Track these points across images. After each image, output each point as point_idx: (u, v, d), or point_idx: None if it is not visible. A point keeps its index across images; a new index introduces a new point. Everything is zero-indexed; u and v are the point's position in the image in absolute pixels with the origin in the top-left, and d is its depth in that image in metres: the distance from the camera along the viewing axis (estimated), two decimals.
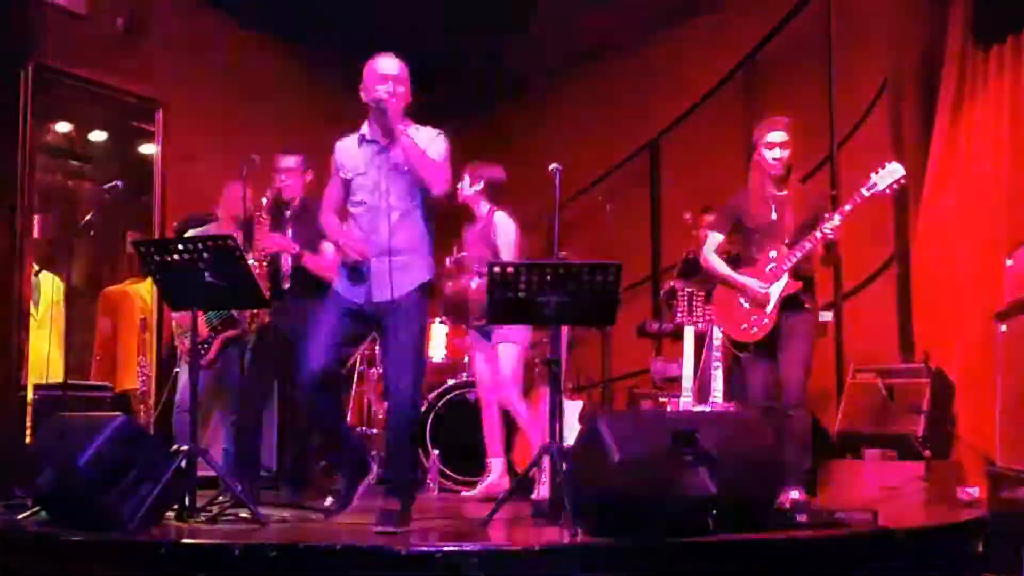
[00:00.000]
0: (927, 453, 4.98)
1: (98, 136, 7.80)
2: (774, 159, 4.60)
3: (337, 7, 7.44)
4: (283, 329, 4.90)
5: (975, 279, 5.46)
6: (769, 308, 4.56)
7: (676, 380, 5.95)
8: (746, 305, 4.63)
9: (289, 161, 5.11)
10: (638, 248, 7.87)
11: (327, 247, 4.86)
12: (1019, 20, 5.42)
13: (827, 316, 6.04)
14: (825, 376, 6.44)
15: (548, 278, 4.00)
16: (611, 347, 5.90)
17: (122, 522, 3.63)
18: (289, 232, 5.01)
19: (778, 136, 4.61)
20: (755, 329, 4.59)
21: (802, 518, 3.80)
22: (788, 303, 4.56)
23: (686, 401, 5.20)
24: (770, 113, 6.79)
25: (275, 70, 7.64)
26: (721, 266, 4.75)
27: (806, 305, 4.59)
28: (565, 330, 5.48)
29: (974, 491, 4.65)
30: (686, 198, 6.93)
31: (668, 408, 5.93)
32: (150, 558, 3.36)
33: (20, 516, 3.95)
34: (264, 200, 5.05)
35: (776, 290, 4.55)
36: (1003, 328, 4.59)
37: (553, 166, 4.68)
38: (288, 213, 5.09)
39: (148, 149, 7.08)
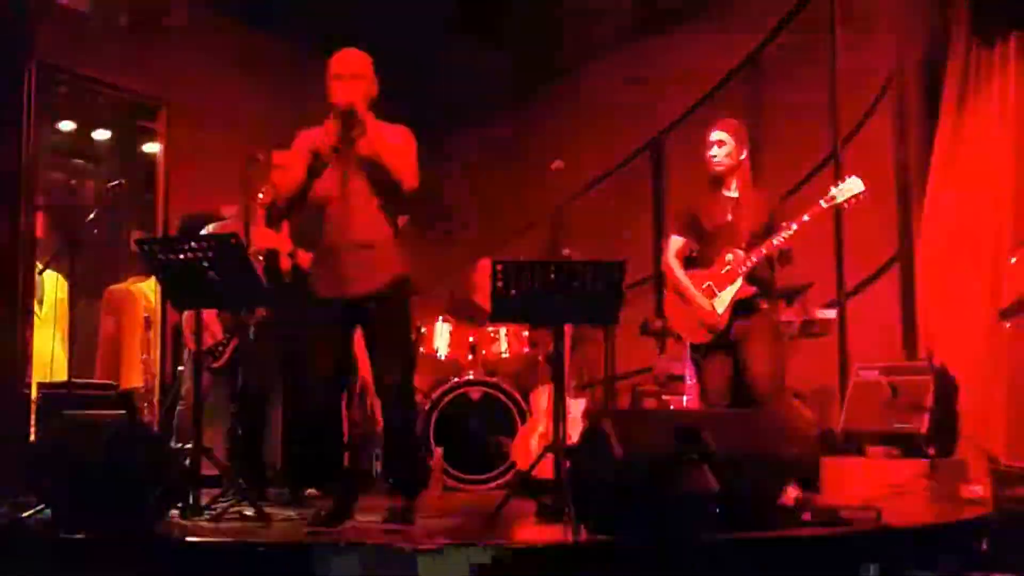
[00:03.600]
0: (931, 451, 4.97)
1: (101, 135, 7.81)
2: (710, 156, 4.62)
3: (342, 3, 7.45)
4: (281, 325, 4.85)
5: (979, 276, 5.45)
6: (721, 310, 4.53)
7: (679, 378, 5.96)
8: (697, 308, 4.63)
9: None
10: (641, 246, 7.86)
11: None
12: (1023, 17, 5.42)
13: (830, 314, 6.05)
14: (828, 374, 6.44)
15: (551, 276, 4.00)
16: (614, 345, 5.89)
17: (126, 521, 3.64)
18: (286, 228, 4.92)
19: (715, 135, 4.63)
20: (707, 333, 4.57)
21: (806, 516, 3.80)
22: (742, 306, 4.53)
23: (689, 399, 5.20)
24: (773, 110, 6.83)
25: (280, 67, 7.64)
26: (677, 272, 4.71)
27: (763, 307, 4.58)
28: (568, 328, 5.49)
29: (978, 489, 4.64)
30: (689, 196, 6.91)
31: (671, 406, 5.94)
32: (153, 557, 3.36)
33: (23, 515, 3.95)
34: (260, 196, 4.94)
35: (728, 293, 4.52)
36: (1007, 325, 4.59)
37: (556, 164, 4.68)
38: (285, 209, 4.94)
39: (152, 148, 7.08)
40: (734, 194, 4.63)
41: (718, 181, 4.65)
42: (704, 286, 4.57)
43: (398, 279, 3.92)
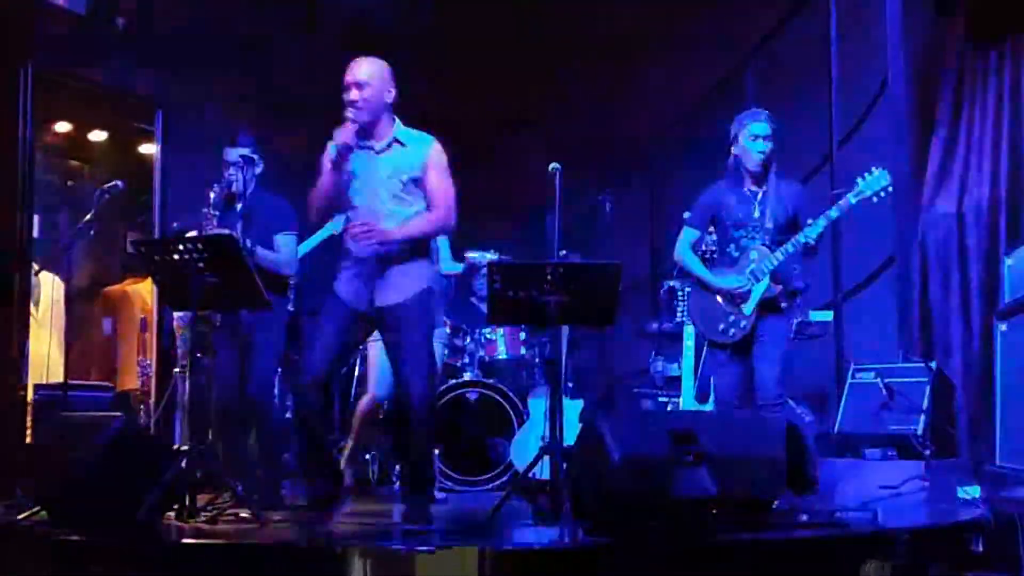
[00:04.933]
0: (927, 452, 4.98)
1: (98, 136, 7.80)
2: (759, 152, 4.43)
3: (341, 4, 7.45)
4: (238, 328, 4.80)
5: (975, 278, 5.47)
6: (748, 311, 4.42)
7: (676, 380, 5.97)
8: (725, 307, 4.50)
9: (237, 153, 4.85)
10: (638, 247, 7.88)
11: (280, 242, 4.82)
12: (1018, 21, 5.43)
13: (827, 315, 6.06)
14: (825, 375, 6.45)
15: (549, 278, 4.01)
16: (611, 347, 5.90)
17: (122, 522, 3.64)
18: (239, 228, 4.68)
19: (762, 128, 4.44)
20: (732, 331, 4.46)
21: (802, 518, 3.80)
22: (765, 305, 4.43)
23: (686, 401, 5.20)
24: (771, 111, 6.80)
25: (277, 69, 7.63)
26: (697, 266, 4.62)
27: (782, 305, 4.48)
28: (565, 330, 5.49)
29: (974, 490, 4.65)
30: (686, 197, 6.93)
31: (668, 408, 5.94)
32: (150, 558, 3.36)
33: (20, 516, 3.95)
34: (212, 195, 4.84)
35: (757, 292, 4.41)
36: (1003, 327, 4.60)
37: (553, 166, 4.68)
38: (239, 208, 4.75)
39: (148, 149, 7.08)
40: (764, 188, 4.48)
41: (739, 175, 4.50)
42: (734, 289, 4.44)
43: (421, 292, 3.96)
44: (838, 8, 6.61)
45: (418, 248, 4.02)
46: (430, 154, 4.03)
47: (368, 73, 3.97)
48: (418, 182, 4.00)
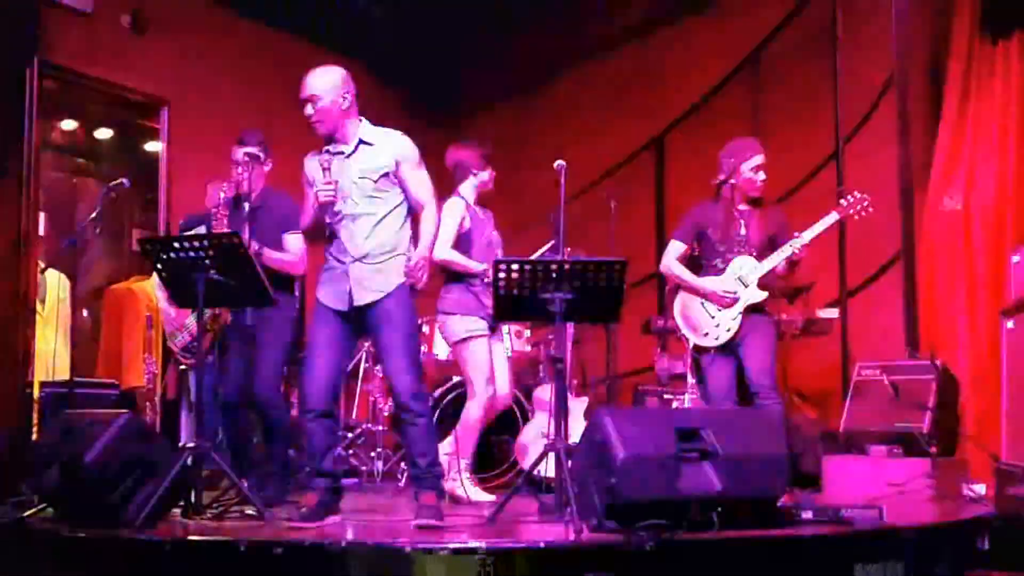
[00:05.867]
0: (933, 450, 4.97)
1: (104, 134, 7.81)
2: (761, 181, 4.75)
3: (343, 4, 7.47)
4: (246, 326, 4.81)
5: (981, 275, 5.45)
6: (734, 315, 4.68)
7: (681, 377, 5.96)
8: (710, 312, 4.74)
9: (244, 152, 4.85)
10: (643, 245, 7.86)
11: (289, 241, 4.83)
12: None
13: (832, 313, 6.06)
14: (831, 373, 6.44)
15: (554, 275, 4.01)
16: (616, 344, 5.89)
17: (128, 519, 3.65)
18: (247, 228, 4.66)
19: (762, 159, 4.75)
20: (717, 337, 4.70)
21: (807, 515, 3.80)
22: (749, 310, 4.70)
23: (691, 398, 5.20)
24: (774, 109, 6.80)
25: (281, 68, 7.62)
26: (685, 273, 4.85)
27: (766, 309, 4.77)
28: (570, 327, 5.49)
29: (980, 488, 4.65)
30: (691, 194, 6.91)
31: (673, 405, 5.94)
32: (155, 555, 3.37)
33: (26, 513, 3.96)
34: (221, 195, 4.84)
35: (745, 298, 4.68)
36: (1009, 324, 4.58)
37: (558, 163, 4.68)
38: (247, 207, 4.76)
39: (154, 147, 7.09)
40: (747, 208, 4.78)
41: (731, 198, 4.76)
42: (723, 295, 4.70)
43: (398, 288, 3.97)
44: (842, 3, 6.59)
45: (395, 247, 4.01)
46: (398, 147, 4.03)
47: (317, 87, 3.97)
48: (390, 177, 4.00)
